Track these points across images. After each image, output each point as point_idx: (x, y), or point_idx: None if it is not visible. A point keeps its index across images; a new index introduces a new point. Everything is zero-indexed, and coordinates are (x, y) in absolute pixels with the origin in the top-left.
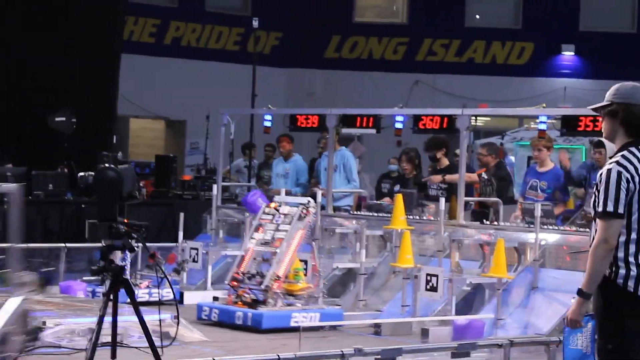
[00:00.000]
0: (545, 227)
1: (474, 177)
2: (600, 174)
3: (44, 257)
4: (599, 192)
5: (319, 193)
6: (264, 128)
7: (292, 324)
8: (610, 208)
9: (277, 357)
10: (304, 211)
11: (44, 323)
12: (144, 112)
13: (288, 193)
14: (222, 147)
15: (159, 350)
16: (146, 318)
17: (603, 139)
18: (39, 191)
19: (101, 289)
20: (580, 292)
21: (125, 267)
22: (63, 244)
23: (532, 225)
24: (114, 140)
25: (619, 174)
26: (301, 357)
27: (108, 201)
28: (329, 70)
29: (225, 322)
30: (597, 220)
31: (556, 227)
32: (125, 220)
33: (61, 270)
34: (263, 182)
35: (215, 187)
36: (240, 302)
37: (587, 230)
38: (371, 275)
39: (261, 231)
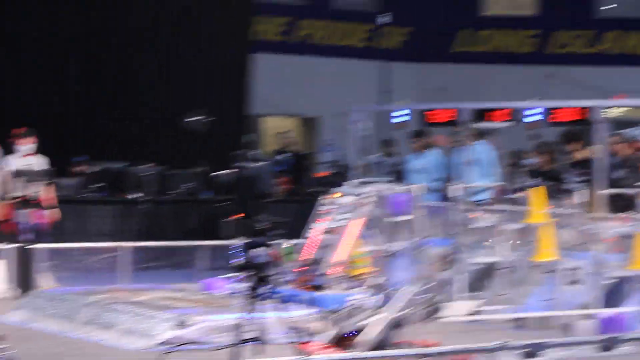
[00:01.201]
0: None
1: None
2: None
3: (185, 254)
4: None
5: (456, 187)
6: (398, 124)
7: None
8: None
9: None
10: (363, 201)
11: (188, 320)
12: (277, 111)
13: (426, 188)
14: (355, 144)
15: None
16: (288, 314)
17: None
18: (174, 190)
19: (242, 286)
20: None
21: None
22: (204, 242)
23: None
24: (249, 139)
25: None
26: (448, 351)
27: (246, 198)
28: (459, 64)
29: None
30: None
31: None
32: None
33: (202, 268)
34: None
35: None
36: (305, 287)
37: None
38: (511, 270)
39: (323, 220)
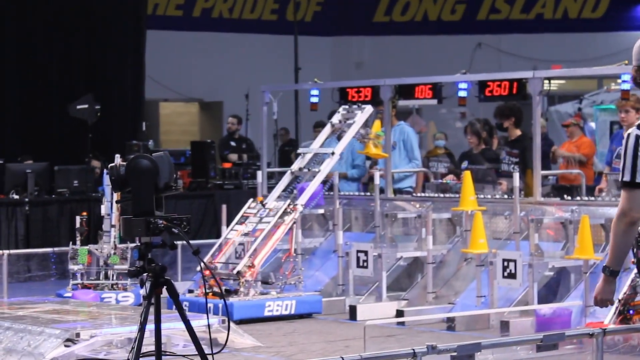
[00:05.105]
0: None
1: None
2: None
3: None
4: (622, 159)
5: (377, 174)
6: (311, 105)
7: (266, 314)
8: (627, 177)
9: (340, 359)
10: (291, 207)
11: (78, 335)
12: (175, 95)
13: (343, 176)
14: (265, 129)
15: (208, 357)
16: (192, 323)
17: None
18: (62, 188)
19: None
20: (604, 269)
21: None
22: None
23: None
24: (143, 128)
25: (637, 138)
26: (368, 357)
27: (143, 194)
28: (378, 36)
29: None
30: (621, 190)
31: None
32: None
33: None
34: None
35: (259, 174)
36: (211, 294)
37: None
38: (440, 264)
39: (244, 224)
